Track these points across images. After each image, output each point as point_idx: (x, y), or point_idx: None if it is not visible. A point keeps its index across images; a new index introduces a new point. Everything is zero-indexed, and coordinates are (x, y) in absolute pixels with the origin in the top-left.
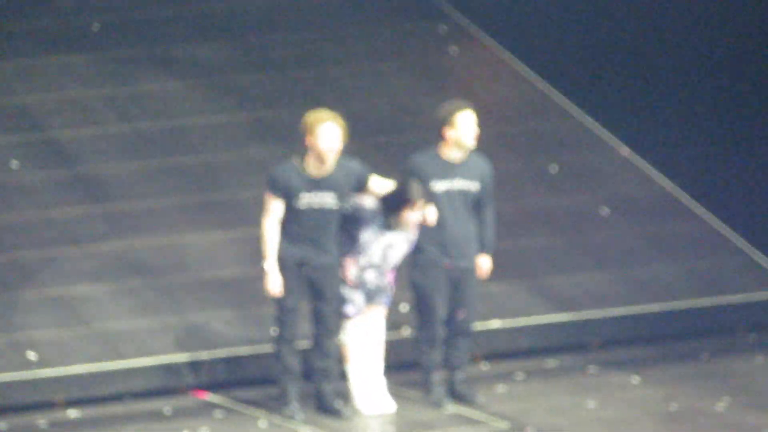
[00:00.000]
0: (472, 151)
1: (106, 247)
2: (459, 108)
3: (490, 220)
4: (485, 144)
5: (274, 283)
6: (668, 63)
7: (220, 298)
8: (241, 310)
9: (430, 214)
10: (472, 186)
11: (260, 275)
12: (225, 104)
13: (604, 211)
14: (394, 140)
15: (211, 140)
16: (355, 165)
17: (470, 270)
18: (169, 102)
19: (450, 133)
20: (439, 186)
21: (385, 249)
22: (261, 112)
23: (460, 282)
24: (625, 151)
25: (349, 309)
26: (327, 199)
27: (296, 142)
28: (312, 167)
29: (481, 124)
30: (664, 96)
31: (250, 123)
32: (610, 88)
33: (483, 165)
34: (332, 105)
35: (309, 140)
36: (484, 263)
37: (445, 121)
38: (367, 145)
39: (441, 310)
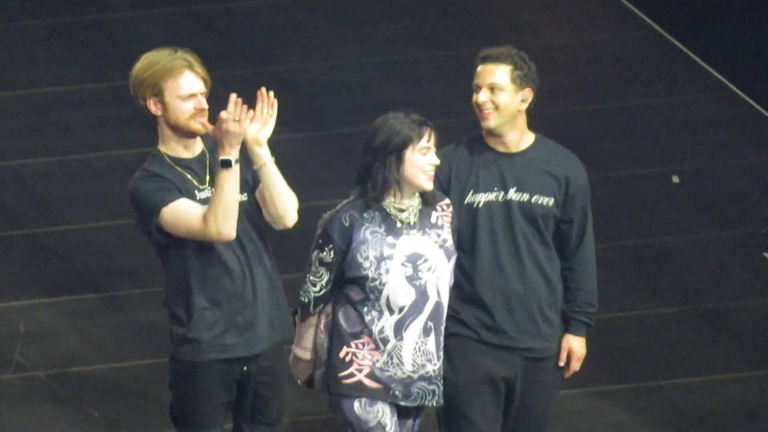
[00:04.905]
0: (543, 139)
1: None
2: (480, 58)
3: (585, 262)
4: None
5: None
6: None
7: None
8: None
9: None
10: (543, 200)
11: None
12: None
13: None
14: None
15: None
16: None
17: (542, 358)
18: None
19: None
20: (481, 197)
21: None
22: None
23: (522, 379)
24: None
25: None
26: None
27: None
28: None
29: None
30: None
31: None
32: None
33: (565, 163)
34: None
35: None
36: (573, 345)
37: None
38: None
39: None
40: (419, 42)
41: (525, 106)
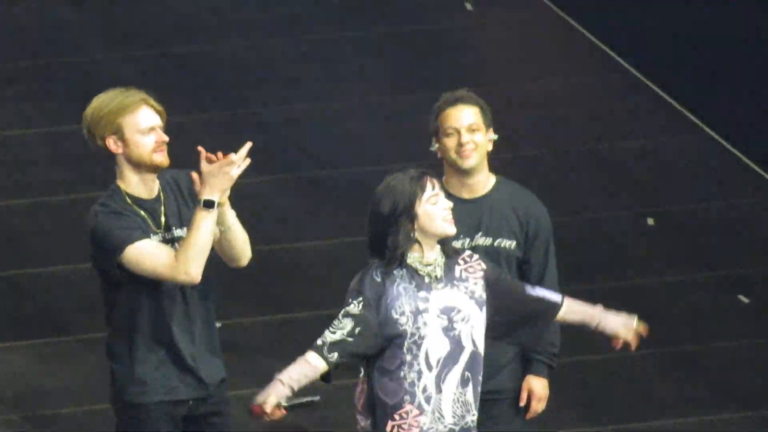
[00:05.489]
0: (504, 180)
1: None
2: (448, 101)
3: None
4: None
5: None
6: None
7: None
8: None
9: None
10: (505, 243)
11: None
12: None
13: None
14: None
15: None
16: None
17: (494, 399)
18: None
19: (440, 145)
20: None
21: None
22: None
23: (484, 419)
24: None
25: None
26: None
27: None
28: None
29: None
30: None
31: None
32: None
33: (527, 205)
34: None
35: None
36: (533, 385)
37: (432, 127)
38: None
39: None
40: (396, 83)
41: (491, 146)
